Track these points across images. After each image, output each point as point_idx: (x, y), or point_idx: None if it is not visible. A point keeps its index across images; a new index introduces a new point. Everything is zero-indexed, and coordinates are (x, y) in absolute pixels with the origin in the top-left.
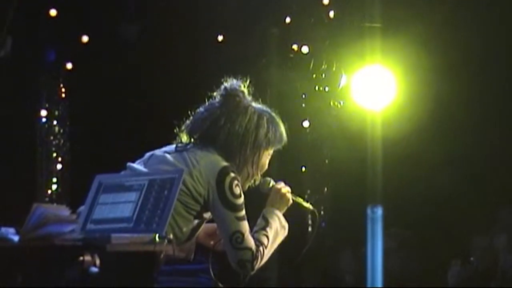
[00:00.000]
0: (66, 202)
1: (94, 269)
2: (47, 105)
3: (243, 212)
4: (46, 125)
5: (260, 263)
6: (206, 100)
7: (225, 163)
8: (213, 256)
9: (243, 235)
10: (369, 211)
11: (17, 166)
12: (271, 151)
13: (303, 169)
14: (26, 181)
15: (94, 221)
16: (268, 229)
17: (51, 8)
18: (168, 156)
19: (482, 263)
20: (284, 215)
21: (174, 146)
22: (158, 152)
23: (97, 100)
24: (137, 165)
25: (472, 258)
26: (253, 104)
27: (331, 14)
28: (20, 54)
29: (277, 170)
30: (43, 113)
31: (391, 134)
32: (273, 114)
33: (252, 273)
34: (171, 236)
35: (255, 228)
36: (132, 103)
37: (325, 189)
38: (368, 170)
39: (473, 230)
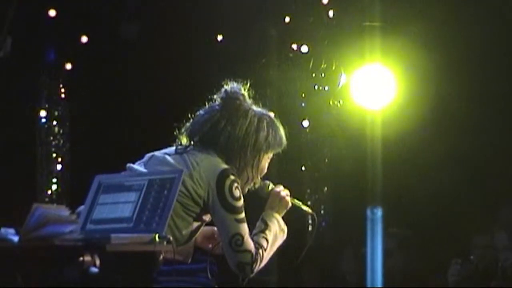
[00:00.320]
0: (66, 202)
1: (94, 269)
2: (46, 106)
3: (243, 215)
4: (46, 126)
5: (259, 265)
6: (206, 103)
7: (225, 166)
8: (211, 260)
9: (242, 237)
10: (368, 212)
11: (16, 167)
12: (270, 155)
13: (303, 168)
14: (26, 182)
15: (94, 221)
16: (267, 232)
17: (50, 8)
18: (168, 157)
19: (482, 261)
20: (283, 218)
21: (174, 148)
22: (158, 153)
23: (97, 100)
24: (137, 166)
25: (472, 257)
26: (253, 107)
27: (331, 13)
28: (20, 54)
29: (277, 169)
30: (43, 113)
31: (391, 133)
32: (273, 118)
33: (252, 275)
34: (171, 237)
35: (254, 231)
36: (132, 103)
37: (325, 188)
38: (368, 170)
39: (473, 229)
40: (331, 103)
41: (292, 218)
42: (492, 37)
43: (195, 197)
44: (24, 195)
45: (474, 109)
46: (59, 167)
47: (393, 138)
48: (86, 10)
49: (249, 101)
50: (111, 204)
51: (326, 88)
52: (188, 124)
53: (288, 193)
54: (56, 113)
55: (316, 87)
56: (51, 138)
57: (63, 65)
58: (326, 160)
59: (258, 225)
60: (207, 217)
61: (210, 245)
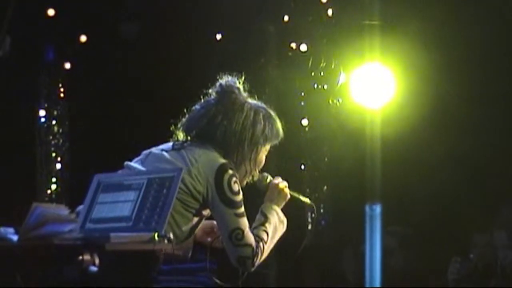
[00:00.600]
0: (65, 201)
1: (93, 268)
2: (46, 105)
3: (242, 209)
4: (45, 125)
5: (260, 259)
6: (202, 97)
7: (223, 160)
8: (211, 253)
9: (242, 231)
10: (367, 208)
11: (16, 166)
12: (268, 147)
13: (302, 167)
14: (25, 181)
15: (93, 220)
16: (267, 224)
17: (49, 7)
18: (166, 154)
19: (481, 260)
20: (282, 210)
21: (171, 144)
22: (155, 150)
23: (96, 99)
24: (135, 164)
25: (471, 255)
26: (249, 100)
27: (330, 12)
28: (19, 54)
29: (276, 168)
30: (42, 113)
31: (390, 132)
32: (269, 110)
33: (252, 269)
34: (171, 234)
35: (254, 224)
36: (131, 103)
37: (325, 187)
38: (367, 168)
39: (473, 227)
40: (330, 102)
41: (291, 210)
42: (492, 36)
43: (194, 193)
44: (24, 194)
45: (473, 108)
46: (58, 166)
47: (393, 137)
48: (85, 9)
49: (244, 94)
50: (111, 203)
51: (326, 87)
52: (184, 119)
53: (287, 185)
54: (55, 113)
55: (315, 86)
56: (51, 137)
57: (62, 65)
58: (326, 159)
59: (257, 218)
60: (206, 212)
61: (210, 239)
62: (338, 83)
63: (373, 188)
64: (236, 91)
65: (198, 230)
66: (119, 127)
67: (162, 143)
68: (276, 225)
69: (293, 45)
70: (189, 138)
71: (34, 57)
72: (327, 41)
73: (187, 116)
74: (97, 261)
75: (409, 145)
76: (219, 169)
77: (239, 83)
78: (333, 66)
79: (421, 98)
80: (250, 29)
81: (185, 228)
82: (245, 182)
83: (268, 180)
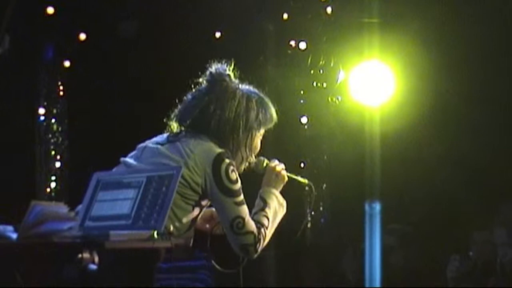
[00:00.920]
0: (64, 199)
1: (93, 267)
2: (45, 103)
3: (242, 197)
4: (45, 123)
5: (262, 245)
6: (193, 87)
7: (219, 150)
8: (211, 240)
9: (243, 219)
10: (367, 206)
11: (15, 164)
12: (262, 131)
13: (302, 165)
14: (25, 179)
15: (92, 218)
16: (267, 209)
17: (48, 6)
18: (161, 147)
19: (481, 258)
20: (281, 192)
21: (165, 136)
22: (150, 144)
23: (95, 97)
24: (131, 160)
25: (471, 253)
26: (241, 86)
27: (329, 9)
28: (18, 52)
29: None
30: (41, 111)
31: (390, 130)
32: (262, 95)
33: (255, 256)
34: (172, 228)
35: (254, 210)
36: (131, 101)
37: (324, 185)
38: (367, 166)
39: (472, 225)
40: (329, 99)
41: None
42: (492, 35)
43: (193, 185)
44: (23, 192)
45: (473, 106)
46: (58, 164)
47: (392, 134)
48: (84, 7)
49: (235, 80)
50: (110, 201)
51: (325, 84)
52: (176, 110)
53: (284, 167)
54: (54, 111)
55: (315, 83)
56: (50, 135)
57: (62, 63)
58: (325, 157)
59: (257, 203)
60: (205, 203)
61: (209, 226)
62: (337, 81)
63: (372, 186)
64: (227, 78)
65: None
66: (119, 125)
67: None
68: (276, 208)
69: (292, 43)
70: (183, 129)
71: (33, 55)
72: (327, 39)
73: (179, 106)
74: (96, 259)
75: (409, 143)
76: (216, 159)
77: (229, 69)
78: (332, 64)
79: (420, 96)
80: (249, 27)
81: (186, 220)
82: (242, 168)
83: (265, 164)
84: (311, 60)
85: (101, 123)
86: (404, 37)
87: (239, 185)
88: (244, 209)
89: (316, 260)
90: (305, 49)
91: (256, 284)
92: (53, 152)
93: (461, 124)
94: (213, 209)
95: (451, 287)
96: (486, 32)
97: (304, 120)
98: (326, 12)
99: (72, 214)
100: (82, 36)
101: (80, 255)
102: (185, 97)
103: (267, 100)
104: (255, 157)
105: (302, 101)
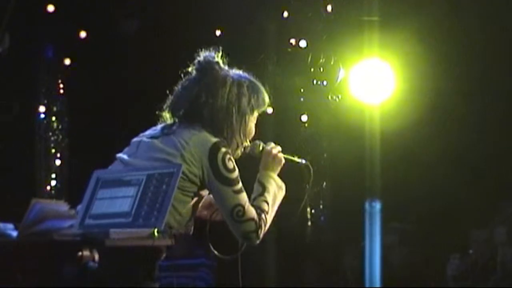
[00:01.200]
0: (64, 197)
1: (92, 263)
2: (45, 101)
3: (240, 185)
4: (45, 121)
5: (264, 230)
6: (183, 76)
7: (214, 139)
8: (211, 227)
9: (243, 207)
10: (367, 205)
11: (15, 162)
12: (256, 115)
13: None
14: (25, 177)
15: (92, 216)
16: (266, 194)
17: (48, 3)
18: (156, 141)
19: (481, 256)
20: (279, 174)
21: (159, 128)
22: (145, 138)
23: (95, 95)
24: (127, 156)
25: (471, 251)
26: (231, 72)
27: (329, 8)
28: (18, 50)
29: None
30: (42, 109)
31: (390, 128)
32: (252, 79)
33: (258, 241)
34: (173, 220)
35: (253, 195)
36: (131, 99)
37: (324, 183)
38: (367, 165)
39: (472, 224)
40: (329, 98)
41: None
42: (492, 32)
43: (191, 177)
44: (23, 190)
45: (473, 104)
46: (58, 162)
47: (392, 132)
48: (84, 5)
49: (225, 67)
50: (110, 199)
51: (325, 83)
52: (168, 101)
53: (280, 149)
54: (54, 109)
55: (315, 82)
56: (50, 133)
57: (62, 61)
58: (325, 155)
59: (255, 188)
60: (204, 192)
61: (206, 212)
62: (337, 79)
63: (372, 185)
64: (216, 66)
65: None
66: (119, 123)
67: None
68: (275, 192)
69: (293, 41)
70: (176, 120)
71: (33, 54)
72: (327, 37)
73: (171, 97)
74: (96, 257)
75: (409, 141)
76: (211, 148)
77: (217, 56)
78: (332, 62)
79: (421, 94)
80: (249, 25)
81: (185, 211)
82: (238, 154)
83: (261, 148)
84: (311, 58)
85: (101, 121)
86: (404, 35)
87: (236, 173)
88: (243, 196)
89: (316, 258)
90: (305, 47)
91: (256, 283)
92: (53, 150)
93: (461, 122)
94: (211, 196)
95: (451, 286)
96: (487, 30)
97: (304, 118)
98: (326, 10)
99: (73, 212)
100: (83, 34)
101: (80, 253)
102: (176, 88)
103: (258, 83)
104: (251, 141)
105: (302, 99)
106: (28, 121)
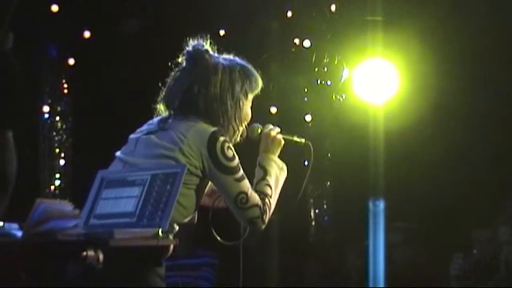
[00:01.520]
0: (69, 197)
1: (96, 263)
2: (49, 101)
3: (241, 172)
4: (49, 121)
5: (269, 214)
6: (174, 68)
7: (211, 129)
8: (214, 214)
9: (246, 194)
10: (370, 204)
11: (19, 162)
12: (251, 98)
13: (305, 163)
14: (29, 177)
15: (97, 216)
16: (268, 177)
17: (53, 3)
18: (154, 137)
19: (484, 256)
20: (279, 156)
21: (155, 122)
22: (142, 136)
23: (99, 95)
24: (126, 156)
25: (475, 251)
26: (221, 59)
27: (333, 7)
28: (22, 50)
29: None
30: (46, 109)
31: (393, 127)
32: (243, 62)
33: (264, 226)
34: (177, 213)
35: (255, 180)
36: (135, 99)
37: (327, 183)
38: (370, 164)
39: (476, 223)
40: (333, 97)
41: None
42: (495, 32)
43: (192, 170)
44: (27, 190)
45: (476, 104)
46: (62, 162)
47: (395, 132)
48: (88, 5)
49: (214, 54)
50: (114, 199)
51: (329, 82)
52: (162, 94)
53: (279, 130)
54: (58, 109)
55: (319, 81)
56: (54, 133)
57: (66, 61)
58: (329, 155)
59: (257, 172)
60: (206, 183)
61: (208, 200)
62: (341, 79)
63: (376, 184)
64: (206, 55)
65: None
66: (123, 123)
67: None
68: (277, 174)
69: (297, 41)
70: (172, 112)
71: (37, 54)
72: (331, 37)
73: (164, 90)
74: (101, 257)
75: (412, 140)
76: (210, 139)
77: (206, 44)
78: (336, 62)
79: (424, 94)
80: (253, 25)
81: (189, 204)
82: (237, 139)
83: (259, 131)
84: (315, 58)
85: (105, 121)
86: (407, 35)
87: (236, 160)
88: (246, 183)
89: (319, 258)
90: (309, 47)
91: (259, 282)
92: (57, 150)
93: (465, 122)
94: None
95: (455, 285)
96: (490, 30)
97: (308, 118)
98: (330, 10)
99: (77, 212)
100: (87, 34)
101: (84, 253)
102: (168, 79)
103: (249, 67)
104: (248, 124)
105: (306, 99)
106: (32, 121)
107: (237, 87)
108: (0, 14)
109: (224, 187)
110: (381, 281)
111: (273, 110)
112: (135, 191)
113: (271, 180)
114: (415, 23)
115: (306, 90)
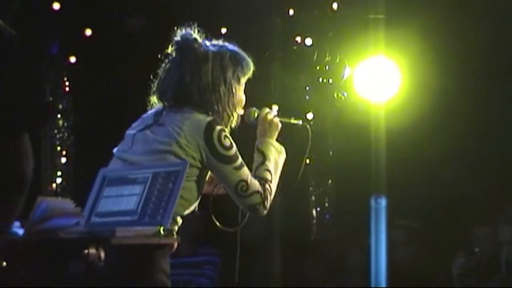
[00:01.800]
0: (70, 195)
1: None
2: (51, 99)
3: (239, 160)
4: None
5: (270, 199)
6: (164, 59)
7: (207, 119)
8: (214, 201)
9: (246, 182)
10: (372, 201)
11: None
12: (243, 82)
13: (307, 161)
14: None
15: (98, 214)
16: (267, 162)
17: (54, 1)
18: (150, 133)
19: (486, 255)
20: (277, 139)
21: (150, 115)
22: (139, 132)
23: (100, 93)
24: (125, 154)
25: (476, 249)
26: (210, 46)
27: (335, 6)
28: (23, 48)
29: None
30: None
31: (395, 126)
32: (233, 48)
33: (266, 212)
34: (179, 206)
35: (254, 165)
36: (136, 96)
37: (329, 181)
38: (372, 162)
39: (477, 221)
40: (335, 95)
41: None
42: (498, 29)
43: (191, 162)
44: (29, 188)
45: (478, 102)
46: (63, 160)
47: (397, 130)
48: (90, 3)
49: (203, 41)
50: (116, 197)
51: (330, 80)
52: (154, 86)
53: (276, 113)
54: (60, 106)
55: (320, 79)
56: (56, 131)
57: (67, 58)
58: (331, 153)
59: (255, 157)
60: (207, 173)
61: (207, 187)
62: (343, 77)
63: (378, 182)
64: (195, 44)
65: None
66: (124, 120)
67: None
68: (276, 158)
69: (298, 39)
70: (165, 103)
71: (38, 52)
72: (332, 35)
73: (156, 82)
74: (102, 255)
75: (414, 138)
76: (206, 129)
77: (194, 32)
78: (338, 60)
79: (426, 92)
80: (255, 23)
81: (190, 196)
82: (233, 124)
83: (256, 115)
84: (317, 56)
85: (106, 118)
86: (409, 33)
87: (234, 149)
88: (245, 171)
89: (321, 256)
90: (311, 45)
91: (261, 281)
92: (58, 148)
93: (467, 120)
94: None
95: (457, 284)
96: (492, 28)
97: (309, 116)
98: (332, 8)
99: (79, 210)
100: (88, 32)
101: (86, 251)
102: (159, 71)
103: (239, 51)
104: (244, 108)
105: (307, 97)
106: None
107: (229, 73)
108: None
109: (224, 176)
110: (383, 279)
111: (275, 108)
112: (137, 189)
113: (270, 164)
114: (417, 21)
115: (307, 88)
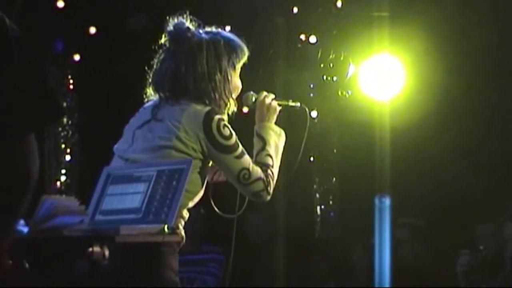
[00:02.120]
0: (74, 193)
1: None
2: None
3: (240, 149)
4: None
5: (273, 184)
6: (158, 50)
7: (204, 110)
8: (214, 188)
9: (248, 169)
10: (376, 200)
11: None
12: (238, 68)
13: (311, 159)
14: None
15: (103, 212)
16: (267, 147)
17: None
18: (148, 129)
19: (490, 252)
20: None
21: (148, 108)
22: (137, 129)
23: (105, 91)
24: (124, 151)
25: (481, 247)
26: (203, 34)
27: (339, 3)
28: (28, 46)
29: (285, 160)
30: None
31: (400, 123)
32: (226, 34)
33: (269, 197)
34: (184, 198)
35: (254, 151)
36: (141, 94)
37: (333, 179)
38: (376, 160)
39: (481, 219)
40: (339, 93)
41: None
42: (503, 26)
43: (192, 154)
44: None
45: (483, 100)
46: (68, 158)
47: (402, 128)
48: (94, 1)
49: (197, 30)
50: (120, 195)
51: (335, 78)
52: (150, 78)
53: (273, 96)
54: (64, 104)
55: (325, 77)
56: (60, 129)
57: (72, 56)
58: (335, 151)
59: (255, 142)
60: (209, 163)
61: (209, 177)
62: (347, 75)
63: (382, 180)
64: (188, 34)
65: None
66: (129, 118)
67: None
68: (276, 142)
69: (302, 36)
70: (162, 95)
71: (43, 49)
72: (337, 33)
73: (151, 74)
74: (107, 253)
75: (418, 136)
76: (204, 121)
77: (187, 21)
78: (342, 58)
79: (431, 89)
80: (259, 21)
81: (196, 189)
82: (231, 111)
83: (253, 99)
84: (321, 53)
85: (111, 116)
86: (414, 31)
87: (234, 137)
88: (246, 159)
89: (325, 254)
90: (315, 43)
91: (264, 280)
92: (63, 146)
93: (471, 118)
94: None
95: (462, 282)
96: (497, 25)
97: (314, 114)
98: (336, 6)
99: (83, 208)
100: (92, 30)
101: (90, 249)
102: (153, 62)
103: (233, 37)
104: (242, 94)
105: (311, 95)
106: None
107: (224, 61)
108: None
109: (225, 165)
110: (387, 277)
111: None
112: (141, 187)
113: (270, 149)
114: (422, 18)
115: (312, 86)
